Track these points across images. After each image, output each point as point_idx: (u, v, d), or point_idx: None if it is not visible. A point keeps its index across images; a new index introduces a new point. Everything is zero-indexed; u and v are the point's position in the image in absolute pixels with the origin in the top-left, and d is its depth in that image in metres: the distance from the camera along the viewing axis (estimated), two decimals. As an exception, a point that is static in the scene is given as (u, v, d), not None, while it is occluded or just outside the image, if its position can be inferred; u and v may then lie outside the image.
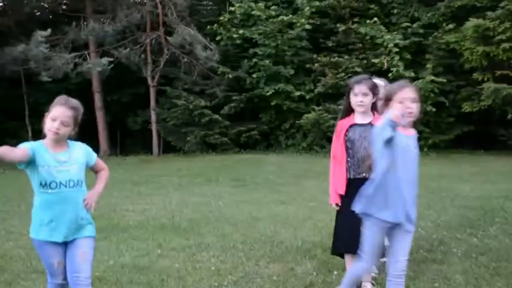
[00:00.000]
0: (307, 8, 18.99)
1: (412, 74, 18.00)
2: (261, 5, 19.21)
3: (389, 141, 3.43)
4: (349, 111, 4.70)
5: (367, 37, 18.74)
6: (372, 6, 19.53)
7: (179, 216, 8.64)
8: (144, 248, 6.68)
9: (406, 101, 3.53)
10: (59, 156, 3.86)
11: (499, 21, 16.25)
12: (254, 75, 19.14)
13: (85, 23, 18.73)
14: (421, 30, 18.75)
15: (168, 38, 19.20)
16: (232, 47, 19.78)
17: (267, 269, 5.75)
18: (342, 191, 4.71)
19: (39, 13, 20.52)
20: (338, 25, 19.39)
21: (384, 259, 5.85)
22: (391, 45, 18.21)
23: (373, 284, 5.12)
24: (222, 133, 19.35)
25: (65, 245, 3.95)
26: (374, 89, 4.64)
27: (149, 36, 19.52)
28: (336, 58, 18.96)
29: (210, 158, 17.79)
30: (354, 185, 4.50)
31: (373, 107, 4.65)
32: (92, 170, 4.12)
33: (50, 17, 21.22)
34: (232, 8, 19.97)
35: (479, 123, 18.48)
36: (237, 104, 19.45)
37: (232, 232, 7.44)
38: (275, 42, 18.78)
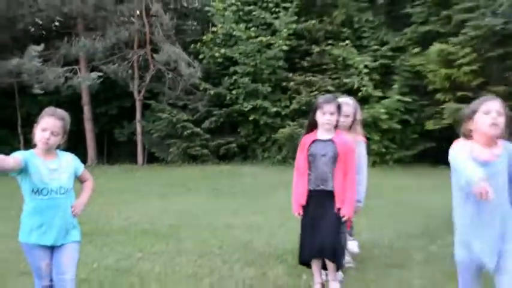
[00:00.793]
0: (285, 30, 19.08)
1: (380, 94, 18.17)
2: (242, 26, 19.27)
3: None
4: (314, 127, 4.80)
5: (340, 58, 18.85)
6: (345, 29, 19.66)
7: (160, 222, 8.65)
8: (127, 251, 6.69)
9: (492, 112, 3.30)
10: (50, 165, 3.91)
11: (461, 46, 16.44)
12: (234, 92, 19.18)
13: (76, 39, 18.67)
14: (389, 53, 18.89)
15: (155, 55, 19.22)
16: (214, 65, 19.81)
17: (241, 272, 5.79)
18: (303, 201, 4.83)
19: (33, 29, 20.45)
20: (313, 46, 19.54)
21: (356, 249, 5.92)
22: (361, 66, 18.34)
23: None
24: (202, 145, 19.34)
25: (52, 249, 3.99)
26: (339, 109, 4.75)
27: (136, 53, 19.51)
28: (310, 77, 19.06)
29: (190, 168, 17.78)
30: (314, 196, 4.72)
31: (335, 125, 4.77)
32: (78, 180, 4.16)
33: (43, 33, 21.15)
34: (214, 29, 20.05)
35: (440, 140, 18.59)
36: (217, 118, 19.47)
37: (210, 238, 7.46)
38: (254, 62, 18.84)
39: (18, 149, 4.04)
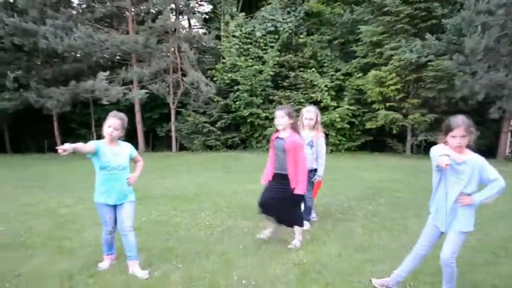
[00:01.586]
0: (271, 61, 19.03)
1: (335, 104, 18.10)
2: (242, 58, 19.17)
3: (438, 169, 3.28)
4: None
5: (308, 80, 18.76)
6: (311, 61, 19.58)
7: (187, 190, 8.66)
8: (164, 210, 6.70)
9: (457, 138, 3.20)
10: (113, 150, 3.96)
11: (389, 72, 16.44)
12: (237, 103, 19.09)
13: (131, 67, 18.57)
14: (341, 77, 18.79)
15: (184, 78, 19.13)
16: (223, 85, 19.69)
17: (241, 224, 5.81)
18: (270, 178, 4.87)
19: (102, 61, 20.33)
20: (290, 72, 19.44)
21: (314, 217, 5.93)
22: (323, 85, 18.28)
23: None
24: (216, 139, 19.27)
25: (115, 207, 4.03)
26: (290, 114, 4.70)
27: (171, 77, 19.40)
28: (289, 93, 19.01)
29: (208, 154, 17.77)
30: (276, 176, 4.76)
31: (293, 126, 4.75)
32: (133, 161, 4.19)
33: (109, 63, 21.01)
34: (224, 60, 19.97)
35: (376, 135, 18.65)
36: (226, 120, 19.39)
37: (221, 200, 7.47)
38: (250, 82, 18.74)
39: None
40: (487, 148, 15.99)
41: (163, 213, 6.43)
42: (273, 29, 19.80)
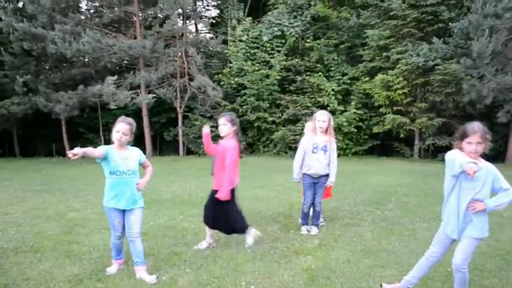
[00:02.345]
0: (278, 65, 19.01)
1: (342, 108, 18.08)
2: (249, 63, 19.20)
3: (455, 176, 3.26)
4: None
5: (315, 84, 18.73)
6: (318, 65, 19.55)
7: (195, 194, 8.64)
8: (172, 214, 6.69)
9: (472, 144, 3.16)
10: (123, 154, 3.96)
11: (396, 76, 16.39)
12: (244, 107, 19.08)
13: (138, 72, 18.63)
14: (348, 81, 18.76)
15: (191, 82, 19.15)
16: (230, 89, 19.71)
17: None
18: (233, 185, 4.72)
19: (110, 65, 20.41)
20: (297, 76, 19.41)
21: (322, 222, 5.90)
22: (329, 89, 18.26)
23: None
24: (223, 143, 19.29)
25: (124, 212, 4.03)
26: (232, 121, 4.74)
27: (178, 81, 19.44)
28: (295, 97, 18.96)
29: (215, 158, 17.74)
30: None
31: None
32: (142, 166, 4.20)
33: (117, 68, 21.09)
34: (231, 65, 20.01)
35: (383, 139, 18.58)
36: (233, 124, 19.39)
37: (228, 205, 7.45)
38: (257, 87, 18.73)
39: (100, 146, 4.12)
40: (495, 152, 15.85)
41: (171, 218, 6.42)
42: (279, 33, 19.81)
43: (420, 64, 15.81)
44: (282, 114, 18.93)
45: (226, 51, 20.63)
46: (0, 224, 6.09)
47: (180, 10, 19.99)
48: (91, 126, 21.95)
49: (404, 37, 16.92)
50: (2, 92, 19.11)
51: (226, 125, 4.68)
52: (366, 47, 18.24)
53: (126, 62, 20.62)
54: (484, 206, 3.22)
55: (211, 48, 21.40)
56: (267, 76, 18.94)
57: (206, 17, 25.33)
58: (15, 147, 21.88)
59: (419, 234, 5.45)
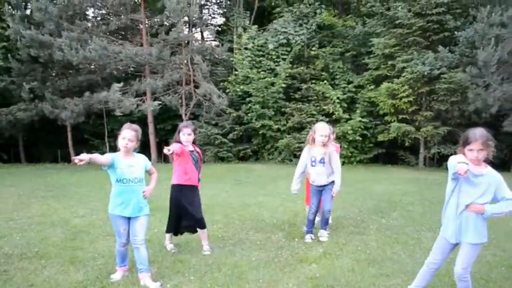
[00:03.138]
0: (283, 73, 19.07)
1: (348, 116, 18.09)
2: (254, 71, 19.28)
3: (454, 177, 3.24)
4: (180, 142, 4.89)
5: (320, 92, 18.76)
6: (323, 73, 19.56)
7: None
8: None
9: (474, 151, 3.15)
10: (129, 162, 3.98)
11: (401, 85, 16.40)
12: (249, 115, 19.12)
13: (144, 79, 18.73)
14: (353, 89, 18.78)
15: (196, 90, 19.23)
16: (236, 97, 19.76)
17: (254, 236, 5.78)
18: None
19: (116, 72, 20.50)
20: (302, 84, 19.45)
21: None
22: (335, 98, 18.27)
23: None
24: (228, 150, 19.31)
25: (129, 219, 4.04)
26: (195, 130, 5.00)
27: (184, 89, 19.51)
28: (300, 105, 18.99)
29: (220, 166, 17.76)
30: (188, 187, 5.04)
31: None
32: (147, 172, 4.22)
33: (123, 75, 21.16)
34: (236, 72, 20.08)
35: (388, 148, 18.54)
36: (238, 132, 19.42)
37: (232, 213, 7.45)
38: (263, 94, 18.77)
39: (105, 152, 4.14)
40: (500, 161, 15.77)
41: (176, 225, 6.41)
42: (285, 41, 19.89)
43: (426, 73, 15.82)
44: (287, 122, 18.95)
45: (231, 59, 20.71)
46: (6, 230, 6.12)
47: (186, 18, 20.11)
48: (96, 133, 22.02)
49: (410, 46, 16.94)
50: (8, 98, 19.26)
51: (191, 136, 4.93)
52: (371, 56, 18.27)
53: (132, 69, 20.72)
54: (483, 209, 3.19)
55: (216, 56, 21.49)
56: (272, 84, 18.99)
57: (212, 24, 25.48)
58: (20, 153, 21.97)
59: (424, 243, 5.42)
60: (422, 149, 17.49)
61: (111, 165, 3.89)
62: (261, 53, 20.09)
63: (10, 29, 17.70)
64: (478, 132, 3.17)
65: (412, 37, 16.69)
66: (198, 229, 5.10)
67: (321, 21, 20.30)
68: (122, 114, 17.40)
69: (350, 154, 18.06)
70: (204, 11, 25.06)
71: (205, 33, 24.46)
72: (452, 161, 3.17)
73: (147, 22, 19.56)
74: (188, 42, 20.20)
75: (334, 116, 17.69)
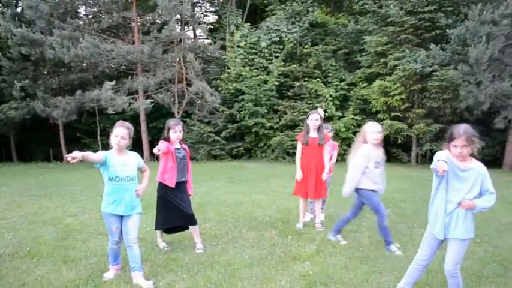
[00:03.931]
0: (276, 71, 19.07)
1: (340, 114, 18.13)
2: (247, 68, 19.26)
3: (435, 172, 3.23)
4: (168, 140, 4.84)
5: (313, 90, 18.79)
6: (316, 71, 19.61)
7: (192, 200, 8.61)
8: (170, 219, 6.66)
9: (458, 147, 3.16)
10: (121, 160, 3.96)
11: (393, 82, 16.46)
12: (242, 112, 19.12)
13: (136, 77, 18.67)
14: (346, 87, 18.81)
15: (189, 88, 19.20)
16: (228, 95, 19.74)
17: (247, 234, 5.77)
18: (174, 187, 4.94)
19: (108, 71, 20.43)
20: (294, 82, 19.47)
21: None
22: (327, 95, 18.31)
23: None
24: (221, 148, 19.30)
25: (121, 217, 4.02)
26: (183, 127, 4.99)
27: (176, 87, 19.47)
28: (293, 103, 19.01)
29: (213, 164, 17.74)
30: (178, 184, 4.94)
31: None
32: (140, 170, 4.20)
33: (115, 73, 21.10)
34: (229, 70, 20.05)
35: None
36: (230, 130, 19.40)
37: (225, 211, 7.43)
38: (255, 92, 18.77)
39: (97, 151, 4.13)
40: (492, 158, 15.91)
41: (169, 223, 6.40)
42: (277, 39, 19.88)
43: (418, 70, 15.88)
44: (280, 120, 18.96)
45: (224, 56, 20.68)
46: (-3, 229, 6.07)
47: (178, 16, 20.04)
48: (89, 131, 21.94)
49: (402, 43, 17.01)
50: (-1, 96, 19.14)
51: (182, 132, 4.90)
52: (363, 53, 18.32)
53: (124, 67, 20.64)
54: (474, 205, 3.20)
55: (209, 54, 21.45)
56: (265, 82, 18.99)
57: (204, 22, 25.42)
58: (12, 151, 21.84)
59: (416, 240, 5.43)
60: (414, 146, 17.57)
61: (103, 163, 3.87)
62: (253, 50, 20.07)
63: (1, 27, 17.58)
64: (462, 129, 3.19)
65: (404, 35, 16.75)
66: (189, 226, 5.09)
67: (314, 19, 20.32)
68: (114, 112, 17.33)
69: (343, 152, 18.02)
70: (196, 8, 25.00)
71: (198, 31, 24.42)
72: (435, 158, 3.20)
73: (139, 20, 19.49)
74: (180, 40, 20.15)
75: (326, 114, 17.66)
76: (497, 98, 14.45)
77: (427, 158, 17.88)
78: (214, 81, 20.07)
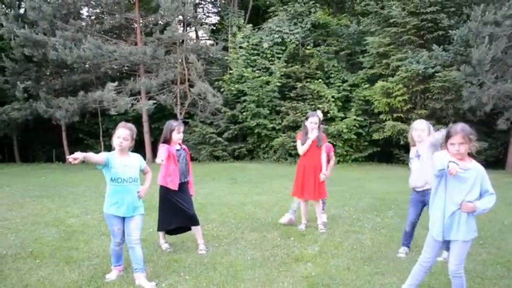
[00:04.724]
0: (278, 72, 19.04)
1: (342, 115, 18.08)
2: (249, 69, 19.22)
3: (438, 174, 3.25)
4: (167, 142, 4.94)
5: (315, 91, 18.74)
6: (318, 72, 19.56)
7: (194, 201, 8.59)
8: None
9: (455, 145, 3.17)
10: (123, 162, 3.97)
11: (396, 83, 16.41)
12: (244, 113, 19.08)
13: (139, 78, 18.67)
14: (348, 88, 18.75)
15: (191, 89, 19.18)
16: (230, 96, 19.72)
17: (249, 235, 5.77)
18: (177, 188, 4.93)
19: (110, 72, 20.43)
20: (297, 83, 19.42)
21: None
22: (329, 96, 18.26)
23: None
24: (223, 149, 19.27)
25: (123, 218, 4.02)
26: (184, 130, 5.09)
27: (179, 88, 19.46)
28: (295, 104, 18.96)
29: (215, 164, 17.73)
30: (180, 185, 4.94)
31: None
32: (142, 172, 4.20)
33: (117, 74, 21.09)
34: (231, 71, 20.03)
35: (383, 146, 18.54)
36: (233, 131, 19.39)
37: (227, 212, 7.43)
38: (257, 93, 18.74)
39: (100, 152, 4.12)
40: (495, 159, 15.87)
41: (171, 224, 6.39)
42: (280, 40, 19.87)
43: (420, 71, 15.84)
44: (282, 121, 18.93)
45: (226, 57, 20.68)
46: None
47: (180, 17, 20.07)
48: (91, 132, 21.96)
49: (404, 44, 16.97)
50: (2, 97, 19.17)
51: (180, 133, 4.98)
52: (365, 54, 18.29)
53: (126, 68, 20.65)
54: (474, 207, 3.19)
55: (211, 55, 21.44)
56: (267, 83, 18.96)
57: (207, 23, 25.45)
58: (15, 152, 21.87)
59: (419, 241, 5.39)
60: (417, 148, 17.49)
61: (105, 164, 3.87)
62: (255, 51, 20.05)
63: (4, 28, 17.60)
64: (458, 127, 3.21)
65: (406, 36, 16.72)
66: (191, 226, 5.09)
67: (316, 20, 20.30)
68: (116, 113, 17.33)
69: (345, 153, 18.07)
70: (198, 9, 25.02)
71: (200, 32, 24.42)
72: (439, 159, 3.18)
73: (141, 21, 19.49)
74: (183, 41, 20.16)
75: (329, 115, 17.69)
76: (500, 99, 14.40)
77: (429, 159, 17.81)
78: (216, 82, 20.06)
